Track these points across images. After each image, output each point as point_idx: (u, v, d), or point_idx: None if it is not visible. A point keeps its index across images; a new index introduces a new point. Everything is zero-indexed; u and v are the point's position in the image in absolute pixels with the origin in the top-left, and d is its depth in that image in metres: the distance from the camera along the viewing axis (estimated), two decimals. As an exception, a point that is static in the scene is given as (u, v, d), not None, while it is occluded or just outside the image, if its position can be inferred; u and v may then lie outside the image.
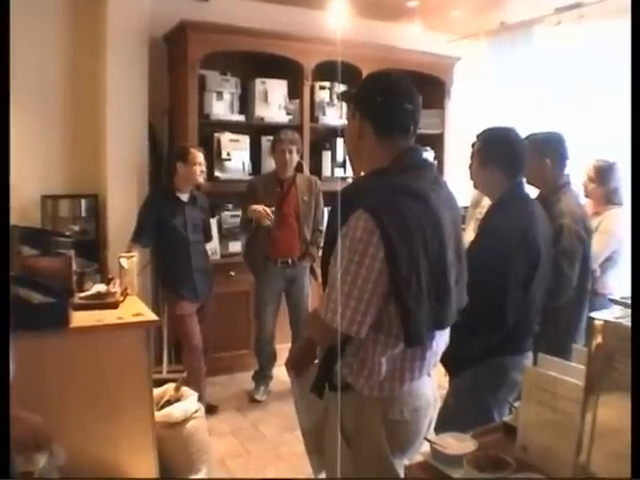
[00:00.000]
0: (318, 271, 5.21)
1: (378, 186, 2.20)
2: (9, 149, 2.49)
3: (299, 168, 5.90)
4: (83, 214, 5.90)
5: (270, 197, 5.54)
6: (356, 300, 2.10)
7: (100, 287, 4.18)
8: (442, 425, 2.93)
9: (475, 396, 3.02)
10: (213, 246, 5.98)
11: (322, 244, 2.51)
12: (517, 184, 3.14)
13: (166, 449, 4.04)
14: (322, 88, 6.76)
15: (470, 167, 3.28)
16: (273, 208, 5.44)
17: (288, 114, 6.50)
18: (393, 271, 2.07)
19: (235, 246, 6.30)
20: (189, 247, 5.15)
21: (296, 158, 5.65)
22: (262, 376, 5.86)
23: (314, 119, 6.70)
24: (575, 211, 3.75)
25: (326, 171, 6.79)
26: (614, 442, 1.60)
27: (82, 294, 4.03)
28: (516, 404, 2.29)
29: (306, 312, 5.53)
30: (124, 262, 4.39)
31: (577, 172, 4.43)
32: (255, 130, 6.49)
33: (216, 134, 6.21)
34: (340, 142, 6.65)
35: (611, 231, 4.51)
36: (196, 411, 4.31)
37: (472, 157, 3.26)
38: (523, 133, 3.39)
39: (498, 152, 3.10)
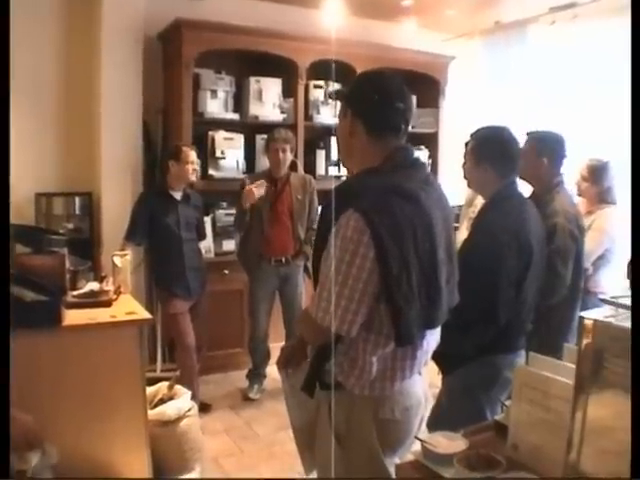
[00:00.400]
0: (312, 270, 5.21)
1: (369, 185, 2.20)
2: (9, 149, 2.49)
3: (293, 167, 5.90)
4: (77, 212, 5.90)
5: (264, 196, 5.52)
6: (347, 299, 2.10)
7: (93, 285, 4.17)
8: (435, 423, 2.94)
9: (468, 394, 3.02)
10: (207, 244, 5.99)
11: (314, 243, 2.51)
12: (510, 183, 3.15)
13: (159, 447, 4.04)
14: (316, 87, 6.76)
15: (464, 166, 3.29)
16: (261, 181, 5.43)
17: (282, 113, 6.50)
18: (384, 271, 2.07)
19: (229, 244, 6.30)
20: (182, 245, 5.15)
21: (290, 157, 5.65)
22: (256, 375, 5.86)
23: (308, 118, 6.71)
24: (569, 210, 3.76)
25: (320, 170, 6.79)
26: (605, 440, 1.61)
27: (75, 292, 4.02)
28: (507, 403, 2.29)
29: (300, 311, 5.52)
30: (117, 260, 4.39)
31: (570, 171, 4.44)
32: (249, 129, 6.49)
33: (210, 132, 6.20)
34: (334, 141, 6.65)
35: (604, 229, 4.53)
36: (189, 409, 4.32)
37: (466, 156, 3.27)
38: (517, 132, 3.40)
39: (492, 151, 3.11)
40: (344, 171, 3.37)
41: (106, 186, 5.86)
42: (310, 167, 6.66)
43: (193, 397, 4.59)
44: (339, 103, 2.48)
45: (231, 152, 6.25)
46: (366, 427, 2.29)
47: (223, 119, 6.28)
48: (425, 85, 7.36)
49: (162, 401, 4.32)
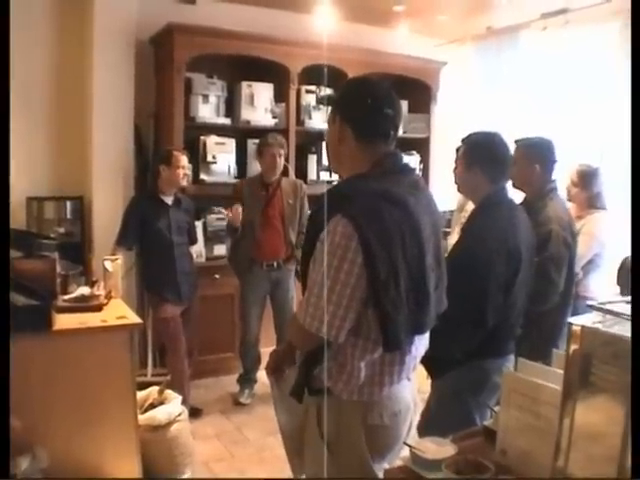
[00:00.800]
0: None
1: (357, 191, 2.21)
2: (9, 150, 2.49)
3: (285, 172, 5.90)
4: (68, 216, 5.89)
5: (255, 201, 5.55)
6: (334, 305, 2.10)
7: (84, 290, 4.16)
8: (424, 428, 2.96)
9: (457, 399, 3.02)
10: (198, 249, 5.98)
11: (302, 248, 2.51)
12: (500, 188, 3.16)
13: (150, 452, 4.04)
14: (308, 92, 6.76)
15: (454, 170, 3.30)
16: (240, 209, 5.43)
17: (274, 117, 6.50)
18: (371, 276, 2.08)
19: (220, 249, 6.29)
20: (173, 250, 5.14)
21: (283, 162, 5.65)
22: (247, 379, 5.86)
23: (300, 123, 6.71)
24: (562, 217, 3.78)
25: (312, 174, 6.79)
26: (594, 446, 1.61)
27: (66, 297, 4.02)
28: (496, 408, 2.29)
29: (291, 315, 5.52)
30: (108, 265, 4.38)
31: (561, 176, 4.45)
32: (241, 133, 6.49)
33: (202, 137, 6.20)
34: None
35: (593, 234, 4.54)
36: (180, 414, 4.32)
37: (456, 161, 3.28)
38: (509, 137, 3.41)
39: (482, 156, 3.12)
40: (335, 176, 3.40)
41: (97, 190, 5.85)
42: (302, 172, 6.67)
43: (184, 402, 4.58)
44: (330, 108, 2.49)
45: (223, 157, 6.25)
46: (354, 432, 2.30)
47: (215, 124, 6.28)
48: (417, 90, 7.38)
49: (153, 406, 4.32)
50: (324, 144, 4.94)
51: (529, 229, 3.22)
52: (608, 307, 1.65)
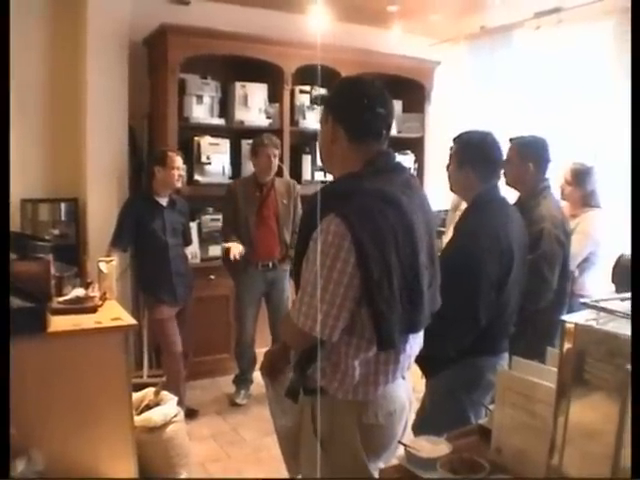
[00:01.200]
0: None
1: (350, 190, 2.21)
2: (9, 152, 2.49)
3: (279, 172, 5.90)
4: (63, 218, 5.88)
5: (249, 201, 5.55)
6: (328, 304, 2.10)
7: (79, 291, 4.16)
8: (419, 426, 2.96)
9: (451, 397, 3.03)
10: (193, 250, 5.97)
11: (295, 248, 2.51)
12: (492, 187, 3.17)
13: (146, 453, 4.03)
14: (302, 92, 6.75)
15: (447, 169, 3.30)
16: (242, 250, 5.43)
17: (268, 118, 6.50)
18: (365, 275, 2.08)
19: (215, 250, 6.28)
20: (168, 251, 5.14)
21: (277, 162, 5.65)
22: (242, 380, 5.86)
23: (294, 123, 6.71)
24: (555, 215, 3.78)
25: (306, 175, 6.79)
26: (589, 444, 1.61)
27: (61, 298, 4.01)
28: (491, 406, 2.30)
29: (287, 315, 5.52)
30: (103, 266, 4.37)
31: (555, 175, 4.45)
32: (235, 134, 6.49)
33: (196, 138, 6.19)
34: (319, 146, 6.65)
35: (588, 233, 4.54)
36: (176, 415, 4.31)
37: (449, 160, 3.28)
38: (503, 136, 3.41)
39: (474, 155, 3.12)
40: (330, 176, 3.41)
41: (92, 192, 5.85)
42: (296, 172, 6.66)
43: (179, 403, 4.58)
44: (323, 108, 2.49)
45: (217, 157, 6.24)
46: (350, 432, 2.30)
47: (209, 124, 6.27)
48: (411, 90, 7.39)
49: (148, 407, 4.31)
50: (317, 145, 4.95)
51: (522, 227, 3.23)
52: (602, 305, 1.65)
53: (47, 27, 5.87)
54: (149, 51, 6.34)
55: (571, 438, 1.64)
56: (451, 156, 3.24)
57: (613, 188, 5.02)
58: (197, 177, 6.18)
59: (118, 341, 3.74)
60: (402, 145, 7.17)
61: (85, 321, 3.73)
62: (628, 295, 1.68)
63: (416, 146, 7.53)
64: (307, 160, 6.82)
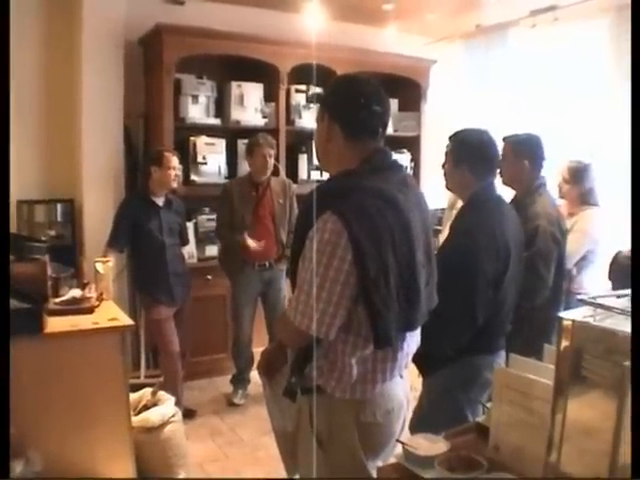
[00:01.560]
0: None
1: (346, 188, 2.21)
2: (9, 152, 2.48)
3: (275, 171, 5.90)
4: (59, 219, 5.87)
5: (245, 201, 5.55)
6: (324, 302, 2.10)
7: (75, 292, 4.15)
8: (416, 425, 2.96)
9: (448, 396, 3.03)
10: (190, 250, 5.96)
11: (291, 246, 2.51)
12: (488, 185, 3.16)
13: (143, 454, 4.03)
14: (298, 91, 6.76)
15: (443, 167, 3.30)
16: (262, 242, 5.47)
17: (264, 117, 6.50)
18: (361, 273, 2.08)
19: (212, 250, 6.28)
20: (165, 251, 5.13)
21: (273, 161, 5.65)
22: (240, 380, 5.86)
23: (290, 122, 6.70)
24: (550, 212, 3.79)
25: (302, 174, 6.79)
26: (586, 441, 1.61)
27: (57, 299, 4.01)
28: (488, 404, 2.30)
29: (283, 314, 5.51)
30: (100, 267, 4.37)
31: (552, 173, 4.45)
32: (231, 133, 6.49)
33: (192, 138, 6.19)
34: (316, 145, 6.64)
35: (586, 231, 4.54)
36: (173, 415, 4.30)
37: (445, 158, 3.28)
38: (499, 134, 3.41)
39: (469, 153, 3.12)
40: (326, 175, 3.40)
41: (88, 192, 5.84)
42: (292, 171, 6.66)
43: (177, 403, 4.58)
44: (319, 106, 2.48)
45: (213, 157, 6.24)
46: (347, 431, 2.29)
47: (204, 124, 6.27)
48: (407, 89, 7.39)
49: (146, 407, 4.31)
50: (314, 144, 4.98)
51: (517, 225, 3.23)
52: (599, 301, 1.65)
53: (42, 27, 5.85)
54: (144, 51, 6.34)
55: (569, 435, 1.64)
56: (447, 154, 3.24)
57: (610, 186, 5.02)
58: (193, 177, 6.18)
59: (115, 342, 3.73)
60: (398, 144, 7.17)
61: (82, 322, 3.72)
62: (624, 292, 1.68)
63: (412, 145, 7.54)
64: (303, 159, 6.82)
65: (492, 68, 7.35)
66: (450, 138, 3.24)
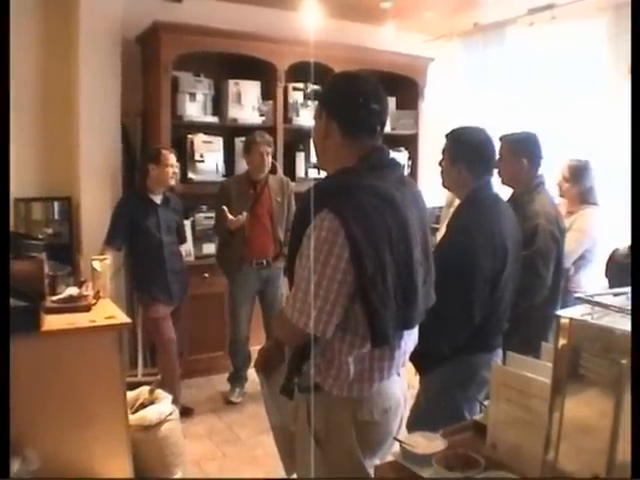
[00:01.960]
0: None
1: (343, 186, 2.20)
2: (9, 152, 2.47)
3: (273, 169, 5.89)
4: (56, 217, 5.88)
5: (243, 199, 5.54)
6: (322, 300, 2.09)
7: (72, 290, 4.14)
8: (413, 423, 2.96)
9: (445, 394, 3.03)
10: (187, 248, 5.95)
11: (288, 244, 2.51)
12: (485, 183, 3.16)
13: (141, 452, 4.03)
14: (296, 89, 6.75)
15: (440, 165, 3.29)
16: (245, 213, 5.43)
17: (262, 115, 6.49)
18: (358, 271, 2.07)
19: (209, 248, 6.28)
20: (163, 249, 5.13)
21: (270, 160, 5.64)
22: (237, 378, 5.85)
23: (287, 120, 6.69)
24: (549, 211, 3.78)
25: (300, 172, 6.79)
26: (584, 439, 1.61)
27: (54, 297, 4.00)
28: (486, 402, 2.30)
29: (281, 313, 5.51)
30: (97, 265, 4.37)
31: (551, 172, 4.46)
32: (228, 131, 6.48)
33: (189, 135, 6.19)
34: (313, 143, 6.63)
35: (584, 230, 4.54)
36: (171, 414, 4.30)
37: (442, 156, 3.28)
38: (496, 133, 3.40)
39: (466, 151, 3.12)
40: (324, 173, 3.37)
41: (85, 190, 5.83)
42: (290, 170, 6.66)
43: (174, 401, 4.57)
44: (317, 103, 2.48)
45: (210, 155, 6.24)
46: (345, 429, 2.29)
47: (202, 122, 6.27)
48: (404, 87, 7.39)
49: (143, 405, 4.31)
50: (312, 141, 5.00)
51: (515, 224, 3.23)
52: (597, 299, 1.65)
53: (39, 25, 5.84)
54: (142, 49, 6.33)
55: (566, 433, 1.64)
56: (444, 152, 3.24)
57: (608, 185, 5.02)
58: (190, 175, 6.17)
59: (112, 340, 3.73)
60: (396, 142, 7.16)
61: (79, 320, 3.71)
62: (621, 290, 1.68)
63: (410, 143, 7.54)
64: (301, 157, 6.82)
65: (490, 66, 7.35)
66: (447, 136, 3.23)
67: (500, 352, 3.10)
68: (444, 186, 3.36)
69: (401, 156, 7.23)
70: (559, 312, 1.68)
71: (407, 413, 2.78)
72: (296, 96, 6.75)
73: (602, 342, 1.54)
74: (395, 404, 2.40)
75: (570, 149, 5.58)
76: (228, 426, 5.27)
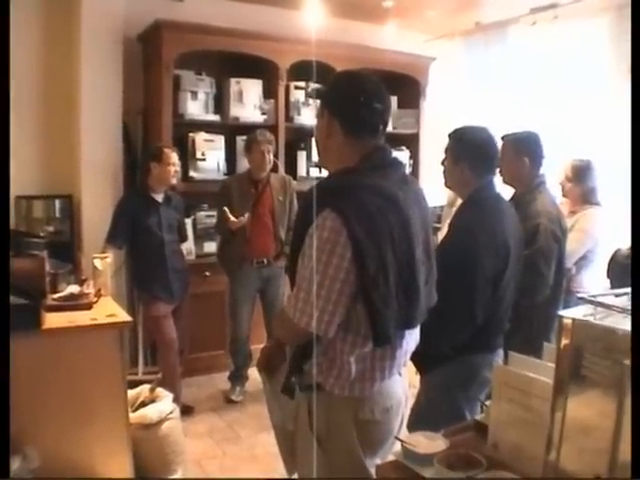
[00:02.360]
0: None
1: (346, 185, 2.20)
2: (9, 151, 2.47)
3: (274, 168, 5.89)
4: (57, 215, 5.88)
5: (244, 198, 5.53)
6: (324, 300, 2.09)
7: (73, 288, 4.14)
8: (414, 423, 2.95)
9: (446, 394, 3.03)
10: (188, 246, 5.95)
11: (290, 243, 2.50)
12: (487, 183, 3.15)
13: (141, 451, 4.02)
14: (297, 88, 6.75)
15: (442, 164, 3.29)
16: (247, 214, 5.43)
17: (263, 114, 6.49)
18: (361, 271, 2.07)
19: (210, 246, 6.28)
20: (164, 247, 5.13)
21: (271, 158, 5.64)
22: (238, 377, 5.85)
23: (289, 119, 6.70)
24: (551, 210, 3.78)
25: (301, 171, 6.78)
26: (586, 439, 1.61)
27: (55, 295, 4.00)
28: (488, 402, 2.29)
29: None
30: (98, 263, 4.37)
31: (553, 172, 4.45)
32: (230, 130, 6.47)
33: (191, 134, 6.19)
34: (315, 142, 6.63)
35: (586, 230, 4.54)
36: (171, 412, 4.30)
37: (445, 155, 3.27)
38: (498, 132, 3.40)
39: (469, 151, 3.11)
40: (325, 172, 3.34)
41: (86, 188, 5.83)
42: (291, 168, 6.66)
43: (175, 400, 4.57)
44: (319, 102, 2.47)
45: (212, 154, 6.24)
46: (346, 428, 2.29)
47: (203, 120, 6.27)
48: (406, 86, 7.38)
49: (144, 404, 4.30)
50: (314, 140, 4.99)
51: (517, 223, 3.23)
52: (599, 300, 1.65)
53: (40, 23, 5.84)
54: (143, 47, 6.33)
55: (568, 434, 1.64)
56: (446, 152, 3.23)
57: (609, 185, 5.01)
58: (192, 173, 6.17)
59: (113, 338, 3.73)
60: (397, 141, 7.16)
61: (80, 318, 3.71)
62: (623, 290, 1.68)
63: (411, 142, 7.53)
64: (302, 156, 6.81)
65: (492, 66, 7.34)
66: (449, 135, 3.23)
67: (501, 352, 3.10)
68: (447, 186, 3.36)
69: (402, 155, 7.23)
70: (562, 312, 1.68)
71: (408, 412, 2.78)
72: (298, 95, 6.75)
73: (604, 342, 1.53)
74: (396, 403, 2.40)
75: (572, 149, 5.58)
76: (229, 425, 5.27)
